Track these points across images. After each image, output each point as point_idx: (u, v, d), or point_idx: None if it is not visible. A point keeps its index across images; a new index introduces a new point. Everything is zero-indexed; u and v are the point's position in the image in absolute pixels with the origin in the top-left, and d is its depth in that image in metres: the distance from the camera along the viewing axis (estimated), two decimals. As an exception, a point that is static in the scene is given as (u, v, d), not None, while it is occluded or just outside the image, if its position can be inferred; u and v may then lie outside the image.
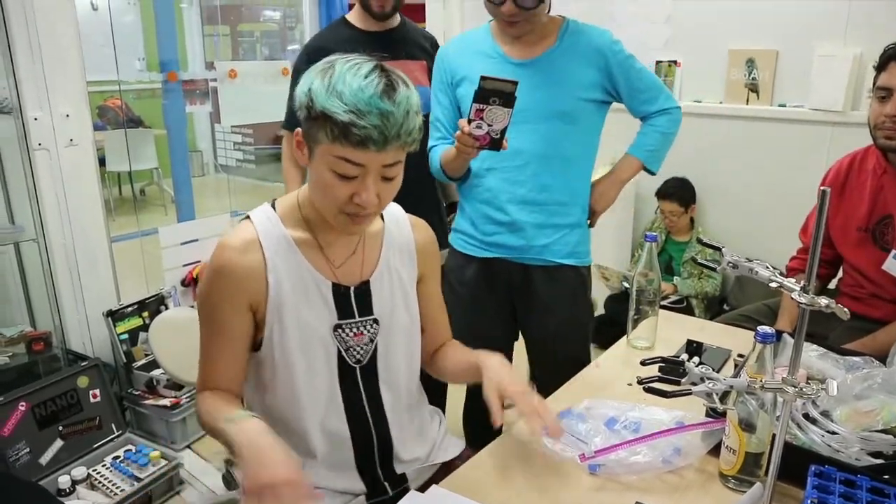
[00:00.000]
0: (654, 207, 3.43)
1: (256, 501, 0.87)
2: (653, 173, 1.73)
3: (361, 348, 1.15)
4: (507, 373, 1.13)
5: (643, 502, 1.03)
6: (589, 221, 1.74)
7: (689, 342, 1.52)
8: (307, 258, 1.11)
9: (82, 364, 2.32)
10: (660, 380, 1.00)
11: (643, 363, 1.12)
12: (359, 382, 1.16)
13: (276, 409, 1.14)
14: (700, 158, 3.32)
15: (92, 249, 2.54)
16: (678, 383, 0.95)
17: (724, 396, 1.16)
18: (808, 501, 0.95)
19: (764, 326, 1.04)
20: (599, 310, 3.38)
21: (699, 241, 1.25)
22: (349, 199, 1.01)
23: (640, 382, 0.99)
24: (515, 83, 1.36)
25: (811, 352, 1.41)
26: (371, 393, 1.18)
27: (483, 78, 1.36)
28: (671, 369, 1.06)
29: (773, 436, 1.04)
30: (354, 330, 1.14)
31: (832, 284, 2.00)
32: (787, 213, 2.32)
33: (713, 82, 3.26)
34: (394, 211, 1.23)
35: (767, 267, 0.97)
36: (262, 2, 6.65)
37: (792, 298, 0.86)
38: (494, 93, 1.37)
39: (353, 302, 1.14)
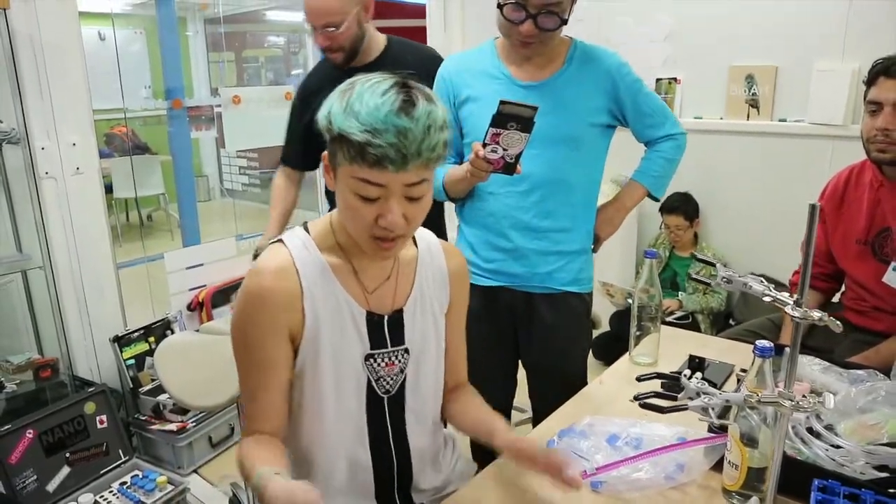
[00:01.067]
0: (657, 224, 3.43)
1: None
2: (657, 200, 1.74)
3: (392, 378, 1.13)
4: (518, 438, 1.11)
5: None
6: (593, 247, 1.73)
7: (692, 357, 1.51)
8: (342, 285, 1.07)
9: (89, 390, 2.33)
10: (657, 395, 1.00)
11: (639, 379, 1.12)
12: (385, 412, 1.14)
13: (299, 436, 1.12)
14: (702, 174, 3.33)
15: (98, 276, 2.57)
16: (675, 399, 0.95)
17: (725, 411, 1.16)
18: (812, 515, 0.94)
19: (763, 341, 1.04)
20: (604, 327, 3.37)
21: (694, 256, 1.25)
22: (374, 221, 0.98)
23: (636, 398, 0.99)
24: (535, 108, 1.35)
25: (814, 366, 1.41)
26: (396, 423, 1.16)
27: (502, 102, 1.34)
28: (669, 385, 1.06)
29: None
30: (386, 360, 1.11)
31: (836, 298, 1.99)
32: (790, 228, 2.30)
33: (713, 98, 3.28)
34: (426, 237, 1.20)
35: (762, 281, 0.98)
36: (267, 28, 6.76)
37: (788, 313, 0.86)
38: (513, 117, 1.35)
39: (385, 331, 1.11)
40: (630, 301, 3.27)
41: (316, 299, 1.05)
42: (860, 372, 1.36)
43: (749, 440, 1.06)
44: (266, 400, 1.06)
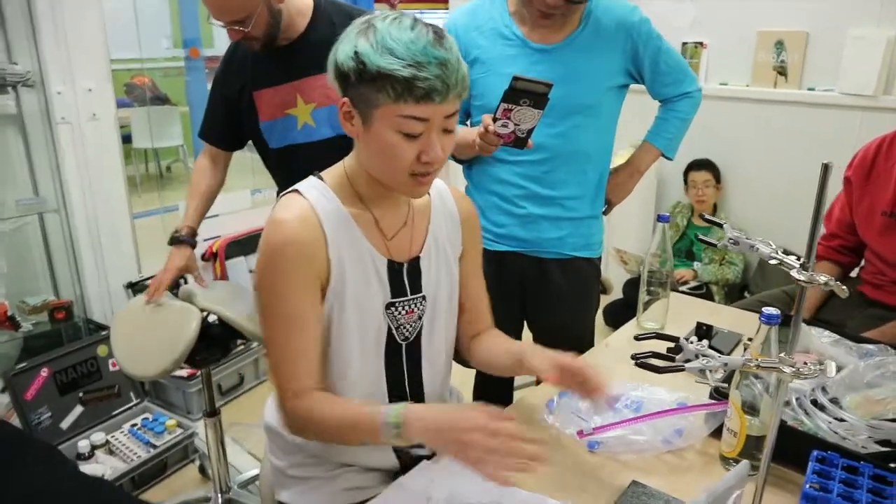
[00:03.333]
0: (675, 190, 3.38)
1: (474, 452, 0.86)
2: (670, 159, 1.70)
3: (411, 326, 1.12)
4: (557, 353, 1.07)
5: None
6: (604, 210, 1.70)
7: (699, 325, 1.49)
8: (364, 233, 1.06)
9: (102, 333, 2.37)
10: (655, 356, 0.98)
11: (637, 338, 1.11)
12: (403, 360, 1.14)
13: (327, 387, 1.09)
14: (725, 142, 3.26)
15: (114, 222, 2.59)
16: (674, 360, 0.94)
17: (728, 379, 1.15)
18: (808, 485, 0.93)
19: (770, 308, 1.02)
20: (617, 293, 3.36)
21: (702, 216, 1.22)
22: (416, 158, 0.97)
23: (633, 357, 0.98)
24: (550, 85, 1.30)
25: (824, 338, 1.38)
26: (413, 369, 1.15)
27: (515, 78, 1.29)
28: (671, 347, 1.04)
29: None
30: (406, 308, 1.11)
31: (854, 273, 1.95)
32: (813, 201, 2.24)
33: (740, 64, 3.19)
34: (436, 183, 1.16)
35: (769, 244, 0.95)
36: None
37: (791, 276, 0.84)
38: (526, 94, 1.31)
39: (405, 279, 1.10)
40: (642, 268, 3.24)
41: (341, 248, 1.03)
42: (871, 346, 1.34)
43: (750, 408, 1.05)
44: (306, 358, 1.02)
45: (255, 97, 1.69)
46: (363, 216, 1.06)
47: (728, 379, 1.16)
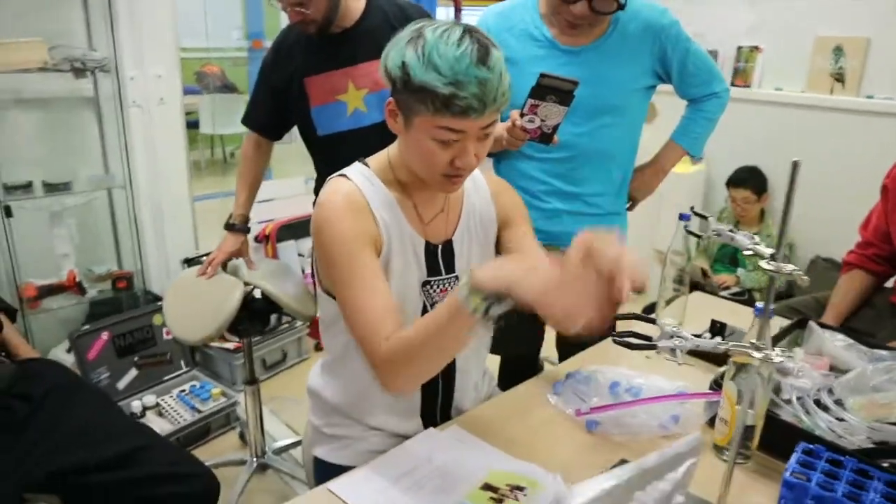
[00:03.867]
0: (723, 196, 3.35)
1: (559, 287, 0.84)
2: (695, 157, 1.72)
3: None
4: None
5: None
6: (628, 207, 1.74)
7: (714, 322, 1.52)
8: (406, 217, 1.13)
9: (158, 304, 2.54)
10: (634, 335, 1.03)
11: (616, 318, 1.15)
12: None
13: (359, 353, 1.11)
14: (777, 148, 3.21)
15: (175, 201, 2.77)
16: (651, 340, 0.98)
17: (737, 372, 1.18)
18: (789, 472, 0.97)
19: (762, 302, 1.06)
20: (654, 294, 3.35)
21: (692, 209, 1.25)
22: (450, 163, 1.03)
23: (612, 334, 1.02)
24: (576, 83, 1.35)
25: (837, 341, 1.39)
26: None
27: (542, 75, 1.35)
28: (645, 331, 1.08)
29: (767, 410, 1.07)
30: (440, 287, 1.17)
31: (889, 283, 1.93)
32: (865, 212, 2.19)
33: (796, 70, 3.14)
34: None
35: (749, 236, 0.99)
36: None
37: (760, 266, 0.88)
38: (552, 90, 1.37)
39: (440, 260, 1.17)
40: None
41: (389, 227, 1.10)
42: (883, 352, 1.34)
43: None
44: (382, 307, 1.02)
45: (307, 83, 1.76)
46: (404, 201, 1.13)
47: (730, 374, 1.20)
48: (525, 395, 1.29)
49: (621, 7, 1.46)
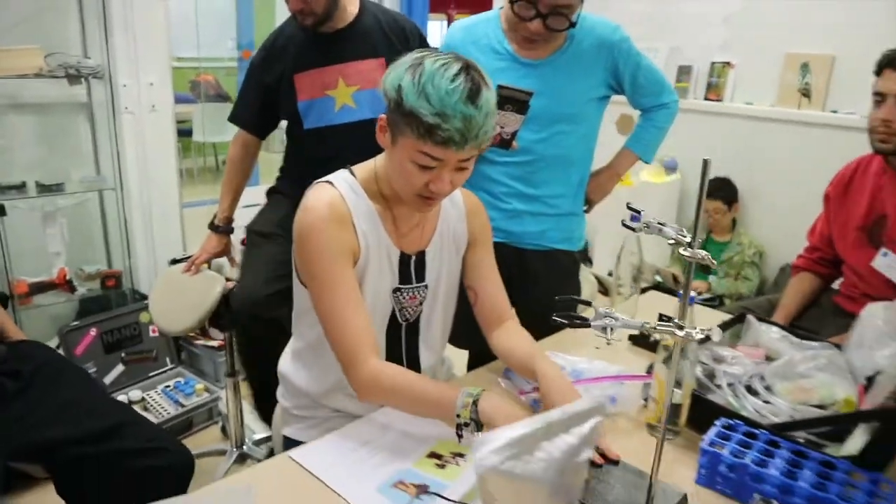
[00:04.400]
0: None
1: None
2: (648, 163, 1.84)
3: (412, 309, 1.29)
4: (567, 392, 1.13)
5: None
6: (585, 208, 1.85)
7: (661, 315, 1.62)
8: (384, 227, 1.21)
9: (146, 302, 2.63)
10: (571, 316, 1.12)
11: (557, 299, 1.23)
12: (402, 338, 1.30)
13: (328, 348, 1.20)
14: (747, 160, 3.34)
15: (164, 204, 2.88)
16: (587, 321, 1.08)
17: (667, 357, 1.28)
18: (707, 443, 1.07)
19: (693, 296, 1.16)
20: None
21: (628, 205, 1.34)
22: (425, 185, 1.11)
23: (553, 317, 1.11)
24: (530, 94, 1.47)
25: (773, 333, 1.50)
26: (410, 348, 1.32)
27: (500, 87, 1.46)
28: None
29: (695, 391, 1.17)
30: (410, 294, 1.27)
31: (836, 285, 2.04)
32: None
33: (766, 85, 3.27)
34: None
35: (676, 227, 1.09)
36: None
37: (679, 253, 0.98)
38: (509, 100, 1.49)
39: (412, 269, 1.26)
40: (657, 278, 3.35)
41: (367, 236, 1.19)
42: (813, 343, 1.45)
43: (678, 383, 1.18)
44: (361, 320, 1.13)
45: (296, 79, 1.82)
46: (384, 213, 1.22)
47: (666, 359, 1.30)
48: (478, 379, 1.39)
49: (573, 25, 1.58)
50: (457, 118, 1.03)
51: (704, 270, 3.37)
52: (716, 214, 3.31)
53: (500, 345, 1.33)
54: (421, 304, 1.30)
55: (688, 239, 1.01)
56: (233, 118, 2.00)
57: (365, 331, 1.14)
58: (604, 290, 2.97)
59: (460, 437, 1.05)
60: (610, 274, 2.59)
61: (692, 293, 3.28)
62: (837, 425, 1.12)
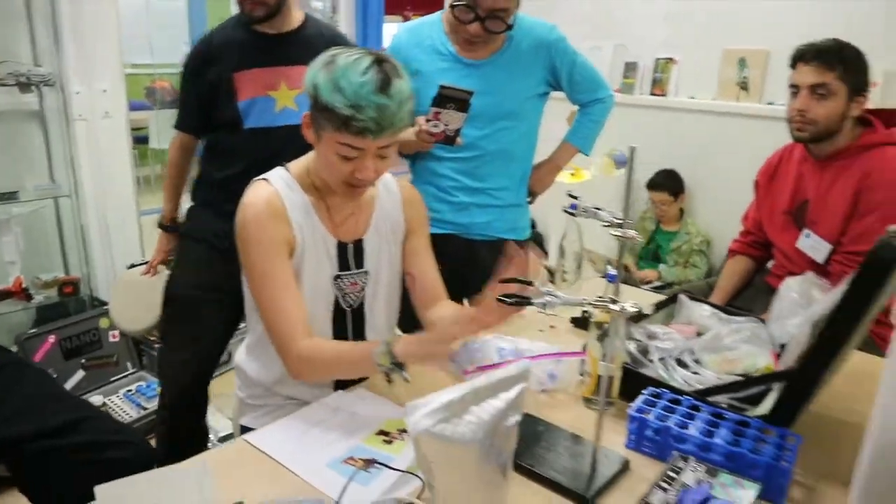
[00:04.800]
0: (644, 198, 3.59)
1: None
2: (587, 155, 1.94)
3: (355, 296, 1.36)
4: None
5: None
6: (529, 200, 1.95)
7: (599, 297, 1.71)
8: (319, 218, 1.29)
9: (105, 308, 2.65)
10: (515, 296, 1.19)
11: (501, 281, 1.30)
12: (348, 324, 1.38)
13: None
14: (692, 152, 3.47)
15: (121, 210, 2.89)
16: (530, 300, 1.16)
17: (601, 335, 1.36)
18: (634, 409, 1.16)
19: (614, 271, 1.25)
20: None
21: (569, 193, 1.42)
22: (351, 173, 1.19)
23: (497, 298, 1.18)
24: (471, 93, 1.57)
25: (704, 310, 1.60)
26: (357, 333, 1.40)
27: (442, 86, 1.57)
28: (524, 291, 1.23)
29: (626, 365, 1.26)
30: (350, 280, 1.35)
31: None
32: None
33: (707, 80, 3.40)
34: (384, 176, 1.39)
35: (609, 212, 1.18)
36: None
37: (612, 235, 1.07)
38: (451, 99, 1.58)
39: (350, 257, 1.33)
40: (609, 269, 3.45)
41: (302, 229, 1.26)
42: (739, 318, 1.55)
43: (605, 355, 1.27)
44: (298, 309, 1.23)
45: (236, 78, 1.80)
46: (318, 204, 1.30)
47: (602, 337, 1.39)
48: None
49: (509, 27, 1.67)
50: (371, 108, 1.10)
51: (655, 259, 3.50)
52: (662, 205, 3.43)
53: (431, 316, 1.40)
54: (363, 289, 1.37)
55: (618, 220, 1.10)
56: (179, 125, 1.99)
57: (296, 317, 1.22)
58: (552, 279, 3.07)
59: (389, 381, 1.18)
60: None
61: (652, 283, 3.37)
62: (748, 388, 1.22)
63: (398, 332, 1.53)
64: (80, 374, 2.53)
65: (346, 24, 5.41)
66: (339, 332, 1.37)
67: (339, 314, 1.36)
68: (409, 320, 1.54)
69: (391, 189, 1.42)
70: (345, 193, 1.26)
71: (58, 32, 2.60)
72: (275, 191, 1.25)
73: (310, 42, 1.81)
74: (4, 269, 2.54)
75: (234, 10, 1.87)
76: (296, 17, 1.86)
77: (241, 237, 1.24)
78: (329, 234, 1.31)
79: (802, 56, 1.76)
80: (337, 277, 1.33)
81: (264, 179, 1.28)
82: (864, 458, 0.76)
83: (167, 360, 1.99)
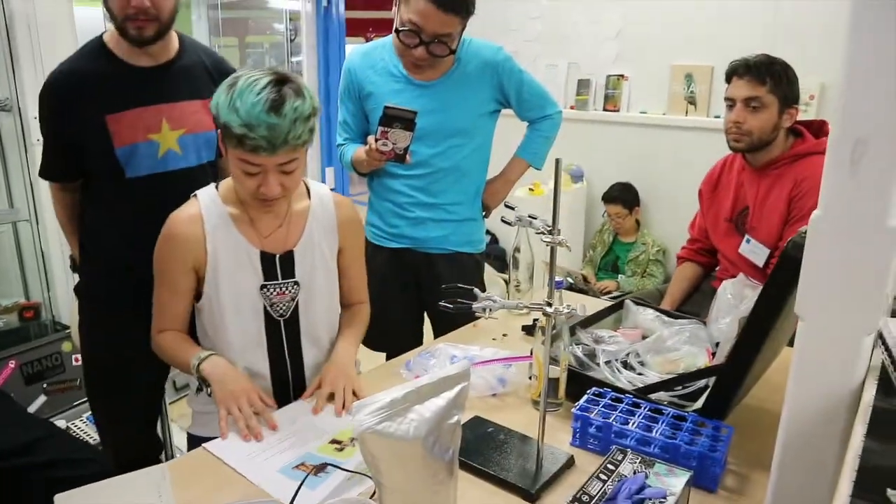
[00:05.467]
0: (601, 212, 3.70)
1: (230, 404, 1.25)
2: (539, 169, 2.02)
3: (284, 305, 1.42)
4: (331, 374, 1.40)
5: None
6: (484, 214, 2.02)
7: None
8: (240, 230, 1.36)
9: (67, 332, 2.63)
10: (457, 301, 1.25)
11: (443, 289, 1.34)
12: (282, 333, 1.44)
13: (213, 345, 1.41)
14: (645, 165, 3.59)
15: (82, 234, 2.87)
16: (471, 307, 1.22)
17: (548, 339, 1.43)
18: (577, 408, 1.22)
19: (562, 280, 1.32)
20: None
21: (505, 204, 1.49)
22: (256, 188, 1.26)
23: (440, 304, 1.23)
24: (415, 112, 1.64)
25: (648, 314, 1.68)
26: (292, 342, 1.45)
27: (387, 107, 1.65)
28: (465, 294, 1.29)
29: (571, 367, 1.33)
30: (277, 290, 1.40)
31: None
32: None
33: (657, 95, 3.53)
34: (320, 191, 1.48)
35: (541, 221, 1.24)
36: (270, 17, 7.06)
37: (542, 240, 1.13)
38: (397, 119, 1.66)
39: (277, 267, 1.40)
40: (569, 279, 3.53)
41: (217, 242, 1.35)
42: (682, 320, 1.63)
43: (552, 359, 1.33)
44: (174, 311, 1.41)
45: (109, 121, 1.53)
46: (241, 217, 1.38)
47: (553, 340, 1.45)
48: (382, 373, 1.52)
49: (452, 52, 1.75)
50: (262, 127, 1.18)
51: (614, 270, 3.60)
52: (617, 218, 3.53)
53: (345, 313, 1.57)
54: (293, 299, 1.42)
55: (545, 229, 1.17)
56: (44, 174, 1.71)
57: (168, 312, 1.40)
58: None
59: (199, 389, 1.40)
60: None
61: (612, 293, 3.45)
62: (682, 384, 1.29)
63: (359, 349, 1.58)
64: (42, 398, 2.51)
65: (307, 46, 5.48)
66: (273, 342, 1.43)
67: (270, 323, 1.42)
68: (375, 339, 1.61)
69: (326, 204, 1.48)
70: (257, 207, 1.34)
71: (14, 57, 2.60)
72: (198, 206, 1.36)
73: (190, 72, 1.64)
74: (-38, 295, 2.52)
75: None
76: (172, 45, 1.62)
77: (158, 243, 1.37)
78: (252, 245, 1.38)
79: (735, 71, 1.87)
80: (263, 287, 1.39)
81: (194, 195, 1.39)
82: (778, 443, 0.83)
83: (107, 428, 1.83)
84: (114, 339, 1.69)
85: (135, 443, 1.82)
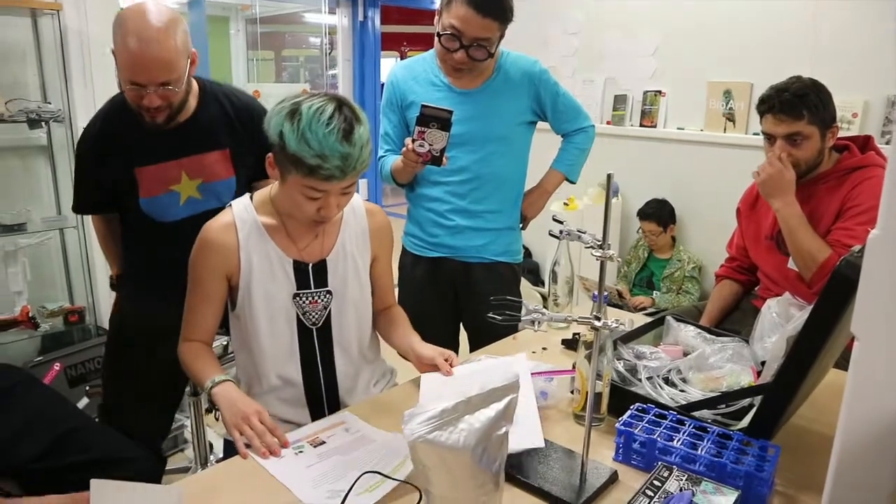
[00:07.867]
0: (637, 227, 3.68)
1: (241, 424, 1.23)
2: (573, 182, 2.03)
3: (317, 314, 1.44)
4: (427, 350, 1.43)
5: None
6: (522, 225, 2.03)
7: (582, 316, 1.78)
8: (274, 240, 1.39)
9: (109, 336, 2.70)
10: (507, 313, 1.25)
11: (492, 300, 1.35)
12: (315, 341, 1.46)
13: (248, 353, 1.45)
14: (681, 181, 3.57)
15: (125, 241, 2.95)
16: (520, 318, 1.22)
17: (590, 353, 1.42)
18: (621, 423, 1.22)
19: (597, 293, 1.31)
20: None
21: (554, 217, 1.50)
22: (316, 211, 1.30)
23: (488, 316, 1.24)
24: (451, 111, 1.67)
25: (689, 331, 1.66)
26: (325, 350, 1.47)
27: (423, 106, 1.68)
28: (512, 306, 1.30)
29: (614, 383, 1.32)
30: (310, 298, 1.43)
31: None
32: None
33: (695, 111, 3.51)
34: (352, 201, 1.50)
35: (591, 235, 1.24)
36: (306, 31, 7.20)
37: (592, 254, 1.14)
38: (433, 118, 1.68)
39: (310, 276, 1.42)
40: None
41: (250, 250, 1.38)
42: (724, 338, 1.61)
43: (597, 375, 1.33)
44: (202, 319, 1.42)
45: (138, 174, 1.69)
46: (275, 227, 1.41)
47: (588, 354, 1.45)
48: (416, 387, 1.52)
49: (491, 55, 1.79)
50: (335, 157, 1.21)
51: (649, 286, 3.57)
52: (651, 235, 3.51)
53: (383, 318, 1.59)
54: (326, 308, 1.44)
55: (595, 243, 1.17)
56: (78, 209, 1.93)
57: (199, 322, 1.41)
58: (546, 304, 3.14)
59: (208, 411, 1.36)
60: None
61: (647, 309, 3.45)
62: (727, 402, 1.28)
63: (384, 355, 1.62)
64: (85, 400, 2.56)
65: (343, 59, 5.57)
66: (306, 350, 1.45)
67: (303, 332, 1.44)
68: None
69: (358, 214, 1.51)
70: (309, 226, 1.39)
71: (66, 70, 2.70)
72: (232, 216, 1.39)
73: (208, 127, 1.74)
74: (11, 298, 2.60)
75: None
76: (191, 103, 1.71)
77: (193, 250, 1.40)
78: (284, 254, 1.40)
79: (770, 109, 1.85)
80: (296, 296, 1.42)
81: (229, 205, 1.42)
82: (832, 465, 0.82)
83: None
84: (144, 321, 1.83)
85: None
